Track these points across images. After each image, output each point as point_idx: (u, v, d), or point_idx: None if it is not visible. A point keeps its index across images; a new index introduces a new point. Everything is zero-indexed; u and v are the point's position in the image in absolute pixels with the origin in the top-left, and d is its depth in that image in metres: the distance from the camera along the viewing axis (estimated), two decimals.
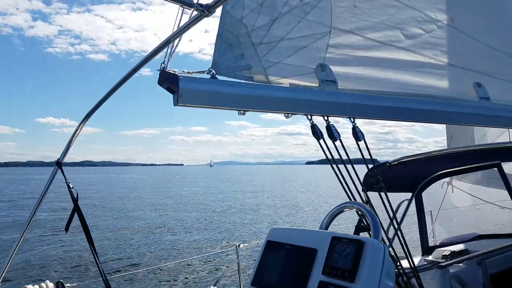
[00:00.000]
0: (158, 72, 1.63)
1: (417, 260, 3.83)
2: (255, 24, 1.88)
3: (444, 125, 6.61)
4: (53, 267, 12.74)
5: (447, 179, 5.34)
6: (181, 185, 63.43)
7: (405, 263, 2.47)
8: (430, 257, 3.82)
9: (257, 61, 1.88)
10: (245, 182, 69.70)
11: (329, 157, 2.07)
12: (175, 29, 1.67)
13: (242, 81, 1.84)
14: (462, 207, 6.33)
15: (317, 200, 33.64)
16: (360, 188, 2.19)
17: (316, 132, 2.02)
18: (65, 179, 2.66)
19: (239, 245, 5.20)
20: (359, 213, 2.19)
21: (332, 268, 1.76)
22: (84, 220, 2.81)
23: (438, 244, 4.62)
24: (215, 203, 33.26)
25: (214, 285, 5.08)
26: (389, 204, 2.30)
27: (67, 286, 3.32)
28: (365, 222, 2.15)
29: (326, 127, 2.01)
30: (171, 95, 1.60)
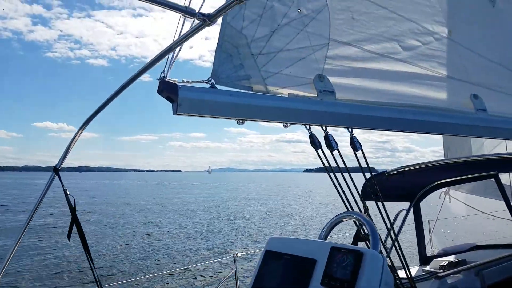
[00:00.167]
0: (158, 81, 1.64)
1: (414, 270, 3.81)
2: (255, 35, 1.90)
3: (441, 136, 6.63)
4: (48, 275, 12.61)
5: (444, 189, 5.34)
6: (178, 191, 63.13)
7: (402, 273, 2.47)
8: (428, 267, 3.81)
9: (256, 71, 1.90)
10: (242, 189, 69.50)
11: (327, 166, 2.08)
12: (176, 37, 1.68)
13: (241, 90, 1.85)
14: (459, 217, 6.33)
15: (318, 208, 33.48)
16: (358, 197, 2.19)
17: (314, 142, 2.03)
18: (62, 185, 2.65)
19: (237, 253, 5.18)
20: (357, 223, 2.19)
21: (331, 278, 1.76)
22: (80, 228, 2.79)
23: (435, 254, 4.61)
24: (212, 209, 33.09)
25: None
26: (386, 214, 2.30)
27: None
28: (363, 232, 2.15)
29: (324, 137, 2.02)
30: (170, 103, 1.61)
